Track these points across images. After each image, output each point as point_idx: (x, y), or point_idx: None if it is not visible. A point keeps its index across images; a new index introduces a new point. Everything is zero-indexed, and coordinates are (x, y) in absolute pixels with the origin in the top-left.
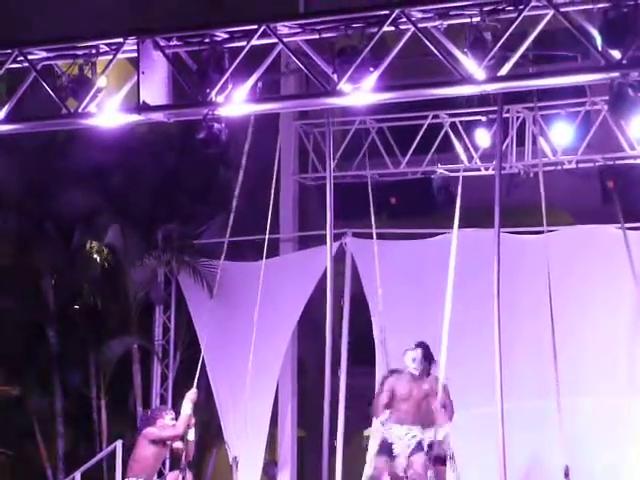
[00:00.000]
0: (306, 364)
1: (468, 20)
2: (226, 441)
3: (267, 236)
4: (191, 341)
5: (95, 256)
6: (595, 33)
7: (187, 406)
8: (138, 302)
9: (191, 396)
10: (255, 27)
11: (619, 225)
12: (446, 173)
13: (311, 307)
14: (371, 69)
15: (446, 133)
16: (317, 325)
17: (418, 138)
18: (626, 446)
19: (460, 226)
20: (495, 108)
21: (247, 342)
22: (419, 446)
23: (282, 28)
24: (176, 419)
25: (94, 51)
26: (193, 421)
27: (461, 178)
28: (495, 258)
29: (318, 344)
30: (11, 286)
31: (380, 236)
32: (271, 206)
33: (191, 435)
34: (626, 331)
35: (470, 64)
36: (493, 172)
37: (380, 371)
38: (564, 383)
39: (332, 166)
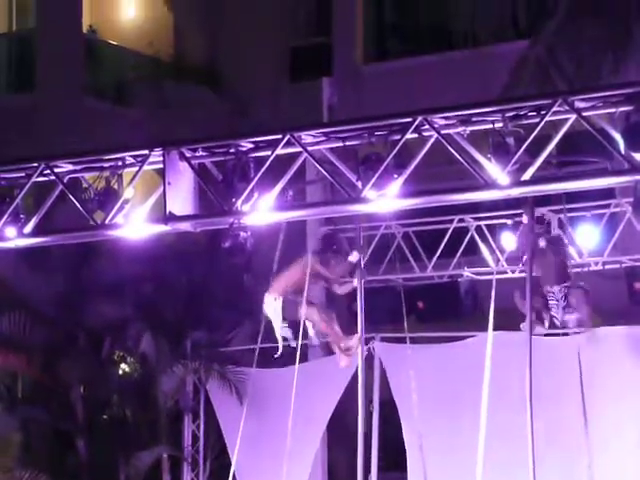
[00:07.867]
0: (336, 470)
1: (491, 126)
2: None
3: (300, 342)
4: (221, 450)
5: (124, 366)
6: (618, 136)
7: None
8: (167, 411)
9: None
10: (279, 136)
11: None
12: (473, 276)
13: (340, 412)
14: (395, 175)
15: (472, 236)
16: (346, 430)
17: (444, 242)
18: None
19: (487, 329)
20: (520, 211)
21: (277, 449)
22: None
23: (306, 137)
24: None
25: (120, 163)
26: None
27: (494, 282)
28: (527, 361)
29: (348, 450)
30: (40, 396)
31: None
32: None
33: None
34: None
35: (494, 169)
36: (521, 275)
37: (413, 476)
38: None
39: (362, 271)
